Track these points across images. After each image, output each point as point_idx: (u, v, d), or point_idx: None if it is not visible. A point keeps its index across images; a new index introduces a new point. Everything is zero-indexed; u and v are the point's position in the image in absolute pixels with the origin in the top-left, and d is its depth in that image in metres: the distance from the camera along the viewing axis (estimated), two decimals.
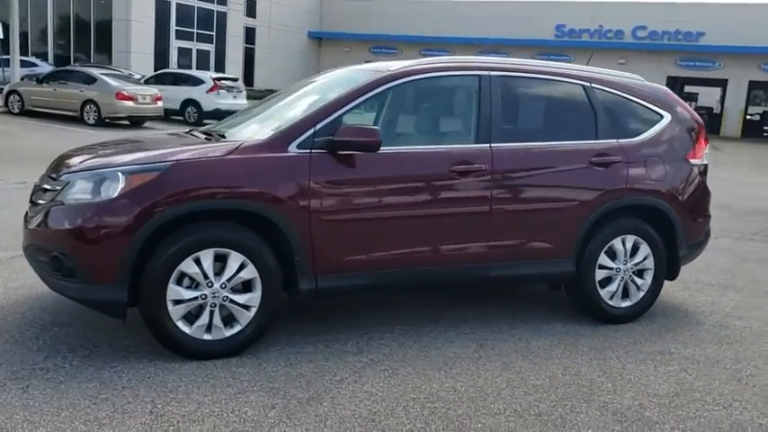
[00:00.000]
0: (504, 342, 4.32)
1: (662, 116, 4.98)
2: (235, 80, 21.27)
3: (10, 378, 3.43)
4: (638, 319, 4.86)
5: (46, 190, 3.89)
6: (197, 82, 20.29)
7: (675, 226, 4.87)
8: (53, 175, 3.93)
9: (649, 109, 4.97)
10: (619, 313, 4.80)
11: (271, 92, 28.65)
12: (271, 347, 3.98)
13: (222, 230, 3.73)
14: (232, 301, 3.78)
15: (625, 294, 4.82)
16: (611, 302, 4.77)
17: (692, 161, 5.00)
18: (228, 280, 3.75)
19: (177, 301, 3.68)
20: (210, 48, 31.61)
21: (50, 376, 3.48)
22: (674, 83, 34.33)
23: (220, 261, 3.73)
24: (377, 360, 3.92)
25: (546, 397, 3.58)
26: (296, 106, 4.59)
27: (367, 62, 5.36)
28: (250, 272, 3.78)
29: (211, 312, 3.75)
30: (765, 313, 5.22)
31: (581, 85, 4.79)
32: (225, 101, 20.13)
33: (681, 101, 5.26)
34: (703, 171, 5.10)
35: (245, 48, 34.50)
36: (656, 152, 4.85)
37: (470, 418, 3.30)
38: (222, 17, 31.69)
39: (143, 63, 26.94)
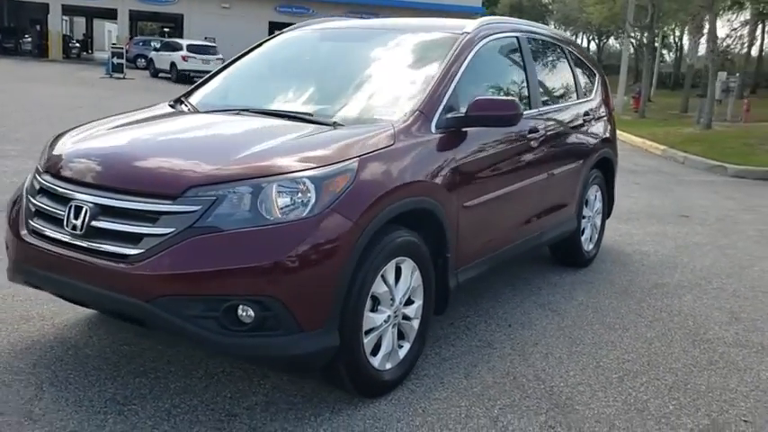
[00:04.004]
0: (564, 304, 4.40)
1: (596, 73, 5.49)
2: None
3: None
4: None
5: (155, 214, 2.60)
6: None
7: (614, 171, 5.51)
8: (150, 191, 2.65)
9: (590, 68, 5.42)
10: (590, 256, 5.27)
11: None
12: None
13: (401, 236, 3.02)
14: (405, 316, 3.14)
15: (589, 238, 5.31)
16: (585, 247, 5.20)
17: (612, 111, 5.65)
18: (405, 293, 3.10)
19: (368, 331, 2.91)
20: None
21: None
22: (275, 28, 36.12)
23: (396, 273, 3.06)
24: (514, 347, 3.66)
25: (682, 346, 3.86)
26: (332, 80, 3.88)
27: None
28: (417, 279, 3.17)
29: (392, 334, 3.07)
30: (640, 235, 6.28)
31: (561, 47, 4.97)
32: None
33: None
34: None
35: None
36: (601, 106, 5.35)
37: (682, 380, 3.42)
38: None
39: None
